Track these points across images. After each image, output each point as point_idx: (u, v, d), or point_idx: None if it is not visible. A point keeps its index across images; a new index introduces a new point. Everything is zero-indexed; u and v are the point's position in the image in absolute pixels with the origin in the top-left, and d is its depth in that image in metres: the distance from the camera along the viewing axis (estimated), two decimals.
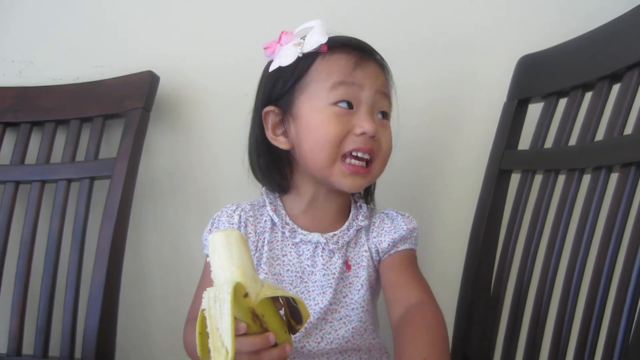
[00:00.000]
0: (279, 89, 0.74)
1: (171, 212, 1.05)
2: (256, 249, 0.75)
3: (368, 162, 0.73)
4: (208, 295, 0.53)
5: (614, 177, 0.68)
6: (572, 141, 0.78)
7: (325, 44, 0.72)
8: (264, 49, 0.76)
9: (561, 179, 0.78)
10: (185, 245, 1.04)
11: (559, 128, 0.81)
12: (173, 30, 1.04)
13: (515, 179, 0.90)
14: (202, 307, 0.54)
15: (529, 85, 0.90)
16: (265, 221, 0.76)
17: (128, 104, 0.98)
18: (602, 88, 0.74)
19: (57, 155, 1.01)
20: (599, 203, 0.69)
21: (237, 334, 0.53)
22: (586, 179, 0.73)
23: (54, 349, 0.95)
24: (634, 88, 0.68)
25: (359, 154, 0.71)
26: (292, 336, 0.62)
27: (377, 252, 0.76)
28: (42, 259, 0.96)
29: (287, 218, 0.76)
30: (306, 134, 0.72)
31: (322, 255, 0.74)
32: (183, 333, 0.75)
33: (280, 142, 0.75)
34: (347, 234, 0.76)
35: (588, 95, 0.78)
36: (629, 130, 0.67)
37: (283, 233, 0.75)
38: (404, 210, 1.00)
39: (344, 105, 0.71)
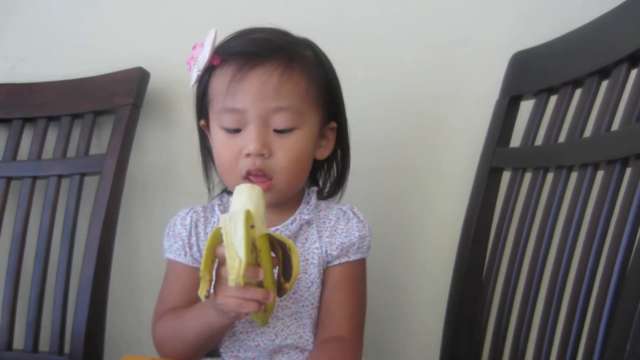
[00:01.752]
0: (198, 103, 0.76)
1: (162, 207, 1.04)
2: (205, 248, 0.74)
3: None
4: (224, 217, 0.60)
5: (601, 174, 0.67)
6: (562, 138, 0.77)
7: (216, 56, 0.70)
8: (187, 63, 0.73)
9: (550, 176, 0.77)
10: None
11: (549, 125, 0.80)
12: (163, 26, 1.04)
13: (506, 176, 0.88)
14: (218, 225, 0.61)
15: (521, 82, 0.89)
16: (214, 222, 0.77)
17: (118, 100, 0.98)
18: (591, 84, 0.73)
19: (48, 151, 1.01)
20: (585, 200, 0.68)
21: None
22: (574, 176, 0.72)
23: (44, 343, 0.95)
24: (621, 84, 0.66)
25: (252, 176, 0.69)
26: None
27: (327, 254, 0.74)
28: (32, 255, 0.97)
29: None
30: (214, 153, 0.75)
31: None
32: (153, 331, 0.74)
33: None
34: (289, 227, 0.74)
35: (578, 92, 0.77)
36: (616, 126, 0.66)
37: None
38: (395, 208, 1.01)
39: (230, 129, 0.70)
